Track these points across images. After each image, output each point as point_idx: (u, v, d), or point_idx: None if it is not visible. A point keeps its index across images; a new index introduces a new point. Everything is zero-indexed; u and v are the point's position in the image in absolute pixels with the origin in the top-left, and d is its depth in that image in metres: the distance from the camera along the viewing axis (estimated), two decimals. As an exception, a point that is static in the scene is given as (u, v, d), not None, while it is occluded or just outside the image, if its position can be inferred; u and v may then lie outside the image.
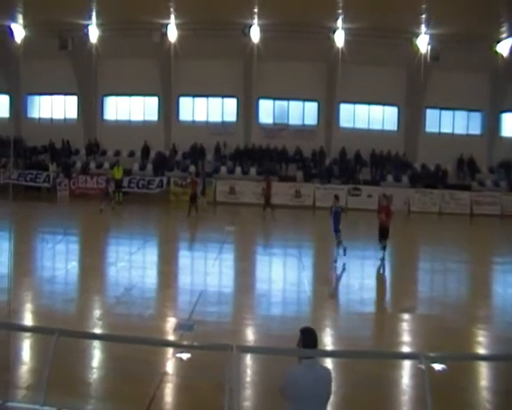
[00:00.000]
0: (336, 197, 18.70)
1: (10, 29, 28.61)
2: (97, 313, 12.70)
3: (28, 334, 10.47)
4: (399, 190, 32.58)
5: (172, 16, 30.35)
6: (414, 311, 13.44)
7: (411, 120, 34.62)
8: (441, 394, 6.66)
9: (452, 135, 35.15)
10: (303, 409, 5.38)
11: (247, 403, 8.21)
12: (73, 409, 7.40)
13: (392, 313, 13.48)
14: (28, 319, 12.07)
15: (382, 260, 17.39)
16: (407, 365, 9.40)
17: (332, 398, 8.37)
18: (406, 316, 12.90)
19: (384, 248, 17.56)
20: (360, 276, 17.66)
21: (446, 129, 35.41)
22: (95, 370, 9.49)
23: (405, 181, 33.81)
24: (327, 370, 5.74)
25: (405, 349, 10.66)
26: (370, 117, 35.84)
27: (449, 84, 32.42)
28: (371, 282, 16.78)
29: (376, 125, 35.59)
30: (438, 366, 8.31)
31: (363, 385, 8.67)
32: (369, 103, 35.40)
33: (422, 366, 6.20)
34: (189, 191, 27.42)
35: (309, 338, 5.55)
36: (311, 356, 5.45)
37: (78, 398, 8.13)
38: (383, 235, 17.57)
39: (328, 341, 11.29)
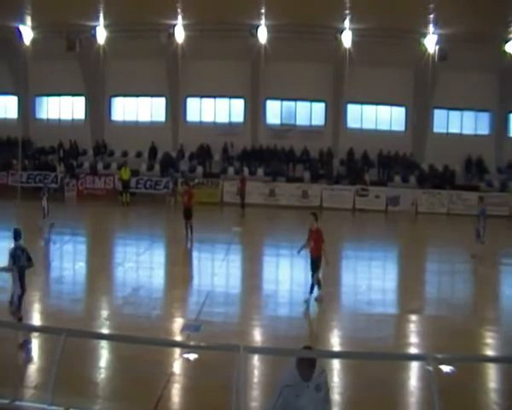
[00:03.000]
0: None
1: (19, 31, 28.76)
2: (105, 313, 12.74)
3: (36, 334, 10.50)
4: (407, 190, 32.48)
5: (180, 17, 30.41)
6: (421, 312, 13.40)
7: (419, 120, 34.47)
8: (449, 395, 6.63)
9: (460, 135, 34.97)
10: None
11: (254, 404, 8.21)
12: (81, 409, 7.42)
13: (399, 314, 13.44)
14: (36, 319, 12.12)
15: (317, 299, 13.38)
16: (415, 366, 9.37)
17: (339, 399, 8.42)
18: (414, 317, 12.86)
19: (318, 284, 13.47)
20: (367, 277, 17.61)
21: (454, 129, 35.23)
22: (102, 370, 9.51)
23: (413, 182, 33.68)
24: (322, 375, 5.53)
25: (413, 351, 10.63)
26: (378, 117, 35.72)
27: (457, 84, 32.28)
28: (378, 283, 16.73)
29: (384, 126, 35.46)
30: (445, 368, 8.28)
31: (370, 386, 8.65)
32: (377, 104, 35.28)
33: (430, 368, 6.18)
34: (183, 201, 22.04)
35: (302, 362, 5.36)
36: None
37: (86, 398, 8.15)
38: (314, 266, 13.50)
39: (335, 342, 11.28)
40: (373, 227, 28.11)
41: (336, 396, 8.58)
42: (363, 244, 22.55)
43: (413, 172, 34.10)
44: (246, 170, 34.58)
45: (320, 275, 13.46)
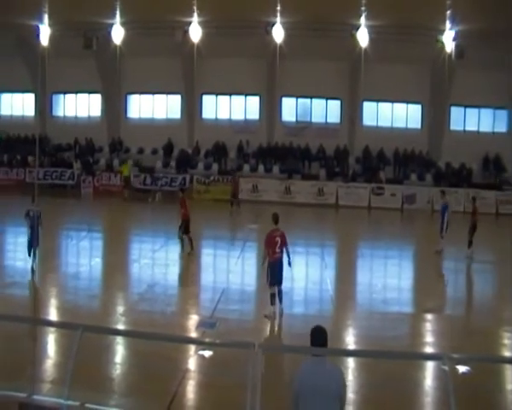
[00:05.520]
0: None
1: (37, 29, 28.99)
2: (120, 309, 12.82)
3: (53, 329, 10.60)
4: (423, 188, 32.24)
5: (195, 15, 30.44)
6: (437, 311, 13.31)
7: (435, 117, 34.20)
8: (464, 396, 6.58)
9: (478, 133, 34.59)
10: (308, 405, 5.37)
11: (268, 402, 8.19)
12: (96, 404, 7.47)
13: (415, 313, 13.35)
14: (53, 315, 12.23)
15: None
16: (430, 366, 9.31)
17: (353, 397, 8.40)
18: (430, 316, 12.78)
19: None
20: (383, 275, 17.53)
21: (471, 127, 34.87)
22: (118, 366, 9.58)
23: (429, 180, 33.41)
24: (337, 369, 5.67)
25: (428, 350, 10.57)
26: (394, 115, 35.51)
27: (474, 81, 31.89)
28: (394, 281, 16.65)
29: (400, 124, 35.22)
30: (462, 368, 8.21)
31: (384, 385, 8.60)
32: (393, 101, 35.04)
33: (446, 368, 6.13)
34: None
35: (315, 337, 5.53)
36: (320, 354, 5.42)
37: (102, 393, 8.21)
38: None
39: (350, 340, 11.24)
40: (389, 225, 27.96)
41: (351, 395, 8.54)
42: (379, 243, 22.46)
43: (429, 170, 33.83)
44: (261, 167, 34.61)
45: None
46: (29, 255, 14.23)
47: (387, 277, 17.28)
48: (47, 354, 9.99)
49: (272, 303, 11.85)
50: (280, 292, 11.97)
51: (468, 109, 34.76)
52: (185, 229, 17.97)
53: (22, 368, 8.89)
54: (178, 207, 18.76)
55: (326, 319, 11.85)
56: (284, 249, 11.93)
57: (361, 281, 16.50)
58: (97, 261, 18.41)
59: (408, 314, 13.11)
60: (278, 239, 11.83)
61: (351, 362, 9.46)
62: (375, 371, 8.67)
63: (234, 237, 22.71)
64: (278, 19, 30.19)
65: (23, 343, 9.91)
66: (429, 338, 11.47)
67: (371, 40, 30.42)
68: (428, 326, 12.33)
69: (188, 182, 33.37)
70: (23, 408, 6.64)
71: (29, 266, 14.03)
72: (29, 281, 13.76)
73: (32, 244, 13.84)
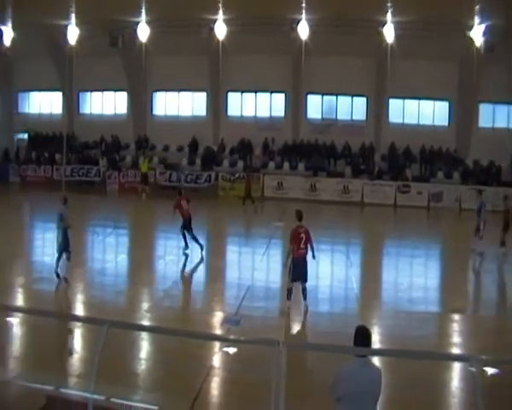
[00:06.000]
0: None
1: (65, 29, 29.35)
2: (146, 305, 12.91)
3: (80, 324, 10.72)
4: (450, 186, 31.82)
5: (220, 12, 30.50)
6: (466, 311, 13.12)
7: (464, 114, 33.69)
8: (492, 398, 6.46)
9: (508, 130, 33.93)
10: (353, 407, 5.35)
11: (292, 400, 8.16)
12: (122, 399, 7.53)
13: (442, 312, 13.18)
14: (80, 310, 12.38)
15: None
16: (457, 367, 9.17)
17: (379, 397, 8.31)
18: (457, 316, 12.60)
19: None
20: (408, 274, 17.35)
21: (501, 124, 34.26)
22: (143, 361, 9.64)
23: (456, 178, 32.95)
24: (378, 369, 5.69)
25: (455, 351, 10.41)
26: (420, 112, 35.10)
27: (504, 76, 31.32)
28: (420, 280, 16.44)
29: (426, 121, 34.82)
30: (490, 370, 8.06)
31: (410, 386, 8.51)
32: (420, 98, 34.65)
33: (473, 369, 6.03)
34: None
35: (359, 336, 5.51)
36: (363, 354, 5.40)
37: (127, 388, 8.27)
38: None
39: (375, 339, 11.11)
40: (415, 223, 27.68)
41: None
42: (405, 241, 22.24)
43: (457, 167, 33.37)
44: (286, 165, 34.56)
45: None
46: (58, 260, 13.73)
47: (413, 275, 17.08)
48: (73, 348, 10.11)
49: (289, 298, 11.97)
50: (304, 289, 12.03)
51: (497, 106, 34.14)
52: (187, 227, 17.53)
53: (50, 362, 9.02)
54: (177, 209, 17.98)
55: (351, 318, 11.78)
56: (309, 245, 12.00)
57: (386, 279, 16.34)
58: (123, 257, 18.58)
59: (434, 314, 12.93)
60: (303, 235, 11.91)
61: (375, 361, 9.34)
62: (400, 371, 8.56)
63: (259, 234, 22.67)
64: (303, 16, 30.07)
65: (50, 337, 10.05)
66: (456, 339, 11.31)
67: (397, 36, 30.09)
68: (456, 327, 12.15)
69: (213, 179, 33.50)
70: (50, 401, 6.73)
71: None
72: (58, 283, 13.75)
73: (64, 249, 13.61)
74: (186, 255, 17.41)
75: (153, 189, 32.86)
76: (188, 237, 17.60)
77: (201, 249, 17.50)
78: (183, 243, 17.60)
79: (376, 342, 10.92)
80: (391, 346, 10.43)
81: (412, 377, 8.39)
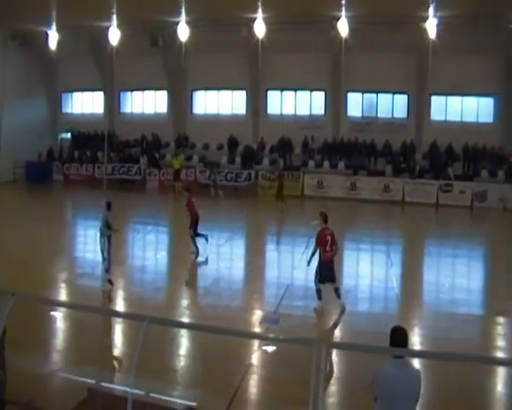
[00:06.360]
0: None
1: (106, 30, 29.79)
2: (185, 302, 13.01)
3: (120, 319, 10.88)
4: (494, 185, 30.99)
5: (260, 10, 30.47)
6: (510, 314, 12.75)
7: (510, 110, 32.76)
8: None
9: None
10: (389, 407, 5.30)
11: (331, 399, 8.11)
12: (161, 394, 7.60)
13: (485, 315, 12.87)
14: (120, 306, 12.56)
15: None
16: (501, 371, 8.92)
17: (419, 400, 8.15)
18: (501, 319, 12.26)
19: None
20: (451, 275, 16.99)
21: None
22: (182, 358, 9.72)
23: (501, 176, 32.09)
24: (417, 371, 5.61)
25: (499, 354, 10.14)
26: (464, 109, 34.31)
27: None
28: (463, 282, 16.08)
29: (470, 118, 33.99)
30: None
31: (451, 389, 8.33)
32: (463, 95, 33.87)
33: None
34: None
35: (395, 337, 5.46)
36: (400, 355, 5.32)
37: (166, 383, 8.35)
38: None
39: (415, 340, 10.94)
40: (457, 223, 27.10)
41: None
42: (447, 241, 21.80)
43: (502, 166, 32.51)
44: (326, 163, 34.34)
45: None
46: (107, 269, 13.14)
47: (456, 276, 16.70)
48: (114, 343, 10.27)
49: (320, 298, 12.02)
50: (337, 289, 12.08)
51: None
52: (194, 227, 17.24)
53: (91, 355, 9.18)
54: (187, 207, 17.62)
55: (391, 318, 11.60)
56: (334, 248, 12.05)
57: (428, 280, 16.04)
58: (163, 255, 18.79)
59: (478, 316, 12.64)
60: (329, 238, 11.99)
61: (416, 363, 9.20)
62: (440, 374, 8.39)
63: (298, 232, 22.56)
64: (343, 13, 29.76)
65: (92, 332, 10.23)
66: (500, 342, 11.01)
67: (440, 31, 29.44)
68: (500, 329, 11.82)
69: (253, 177, 33.55)
70: (92, 394, 6.84)
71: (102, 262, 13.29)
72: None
73: (108, 258, 13.02)
74: (204, 259, 16.99)
75: (192, 187, 33.04)
76: (191, 234, 17.10)
77: (196, 254, 16.84)
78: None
79: (417, 343, 10.75)
80: (432, 348, 10.23)
81: (453, 381, 8.21)
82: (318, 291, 12.05)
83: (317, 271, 12.05)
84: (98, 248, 13.27)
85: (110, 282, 13.01)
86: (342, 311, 11.87)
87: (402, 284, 15.22)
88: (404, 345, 5.44)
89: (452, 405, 7.98)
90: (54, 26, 30.66)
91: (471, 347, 10.24)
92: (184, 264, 16.67)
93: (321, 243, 11.97)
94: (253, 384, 8.89)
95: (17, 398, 6.90)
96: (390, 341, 5.42)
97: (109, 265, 13.07)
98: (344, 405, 8.17)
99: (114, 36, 29.78)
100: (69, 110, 41.19)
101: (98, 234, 13.22)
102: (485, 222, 27.97)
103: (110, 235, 13.02)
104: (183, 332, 10.28)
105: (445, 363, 8.33)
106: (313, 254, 12.12)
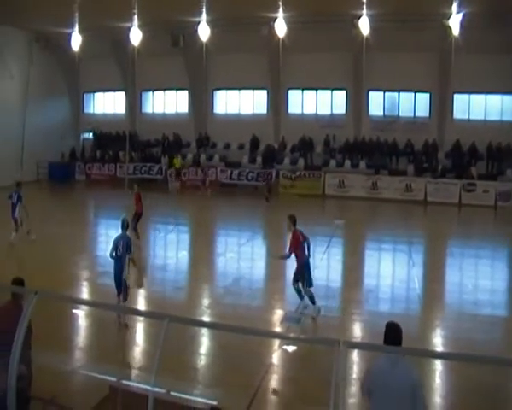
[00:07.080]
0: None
1: (128, 30, 30.01)
2: (206, 301, 13.04)
3: (141, 318, 10.93)
4: (519, 185, 30.57)
5: (280, 10, 30.43)
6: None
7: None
8: None
9: None
10: (381, 404, 5.30)
11: (352, 400, 8.05)
12: (182, 392, 7.61)
13: (510, 316, 12.67)
14: (141, 304, 12.63)
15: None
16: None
17: (440, 402, 8.07)
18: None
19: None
20: (474, 276, 16.76)
21: None
22: (202, 357, 9.74)
23: (526, 176, 31.59)
24: (411, 370, 5.43)
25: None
26: (487, 107, 33.85)
27: None
28: (486, 283, 15.85)
29: (494, 116, 33.53)
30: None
31: (474, 392, 8.22)
32: (486, 93, 33.42)
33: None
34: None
35: (388, 333, 5.48)
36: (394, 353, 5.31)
37: (186, 382, 8.37)
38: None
39: (438, 342, 10.83)
40: (481, 223, 26.75)
41: (438, 399, 8.25)
42: (470, 241, 21.54)
43: (526, 165, 31.97)
44: (347, 163, 34.18)
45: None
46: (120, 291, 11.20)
47: (479, 277, 16.47)
48: (135, 341, 10.33)
49: (313, 303, 11.64)
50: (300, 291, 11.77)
51: None
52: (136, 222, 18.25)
53: (113, 353, 9.25)
54: (134, 201, 18.74)
55: (413, 319, 11.51)
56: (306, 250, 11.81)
57: (450, 281, 15.84)
58: (184, 254, 18.86)
59: (502, 318, 12.44)
60: (304, 241, 11.80)
61: (438, 365, 9.11)
62: (464, 377, 8.28)
63: (320, 232, 22.48)
64: (364, 11, 29.57)
65: (114, 330, 10.31)
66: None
67: (462, 29, 29.08)
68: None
69: (274, 177, 33.53)
70: (113, 391, 6.89)
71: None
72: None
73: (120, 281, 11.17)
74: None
75: (214, 186, 33.23)
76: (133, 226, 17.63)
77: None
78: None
79: (439, 345, 10.63)
80: (454, 349, 10.09)
81: (477, 384, 8.10)
82: (311, 297, 11.67)
83: (302, 277, 11.76)
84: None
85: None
86: (318, 314, 11.55)
87: (424, 284, 15.05)
88: (396, 341, 5.41)
89: (474, 407, 7.86)
90: (76, 28, 30.98)
91: (495, 349, 10.10)
92: (205, 263, 16.73)
93: (297, 247, 11.65)
94: (274, 384, 8.87)
95: (41, 394, 6.98)
96: (384, 337, 5.43)
97: (126, 291, 11.24)
98: (365, 406, 8.11)
99: (136, 36, 29.99)
100: (91, 110, 41.64)
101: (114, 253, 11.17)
102: (510, 222, 27.53)
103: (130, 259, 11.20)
104: (204, 331, 10.30)
105: (467, 365, 8.22)
106: (285, 257, 12.10)
